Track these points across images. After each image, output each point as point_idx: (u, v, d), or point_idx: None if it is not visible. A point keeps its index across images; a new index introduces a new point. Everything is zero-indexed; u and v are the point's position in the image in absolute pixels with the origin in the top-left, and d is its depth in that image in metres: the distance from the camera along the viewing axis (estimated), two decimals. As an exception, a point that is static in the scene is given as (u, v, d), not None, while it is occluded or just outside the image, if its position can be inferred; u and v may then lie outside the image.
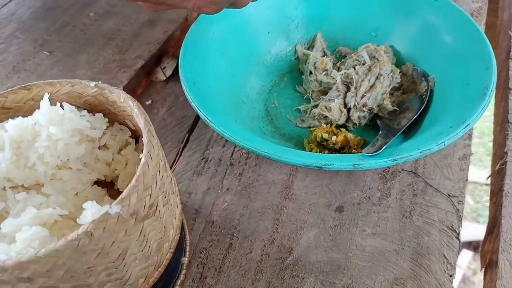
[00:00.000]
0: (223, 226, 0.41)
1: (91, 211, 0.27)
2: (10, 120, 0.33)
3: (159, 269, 0.32)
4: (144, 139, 0.29)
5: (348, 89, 0.48)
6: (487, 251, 0.42)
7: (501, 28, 0.64)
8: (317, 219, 0.41)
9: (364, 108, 0.46)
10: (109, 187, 0.36)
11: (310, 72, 0.51)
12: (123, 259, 0.28)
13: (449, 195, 0.43)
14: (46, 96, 0.32)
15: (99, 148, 0.35)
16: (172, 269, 0.36)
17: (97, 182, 0.35)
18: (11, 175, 0.32)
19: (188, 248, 0.38)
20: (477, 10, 0.63)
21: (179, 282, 0.36)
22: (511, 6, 0.64)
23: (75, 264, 0.25)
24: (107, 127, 0.35)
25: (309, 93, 0.51)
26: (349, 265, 0.38)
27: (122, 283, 0.29)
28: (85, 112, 0.34)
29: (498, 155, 0.48)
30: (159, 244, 0.32)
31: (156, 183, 0.29)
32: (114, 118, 0.36)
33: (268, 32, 0.53)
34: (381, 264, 0.38)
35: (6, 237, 0.28)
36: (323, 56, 0.53)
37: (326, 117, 0.47)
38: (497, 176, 0.46)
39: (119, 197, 0.26)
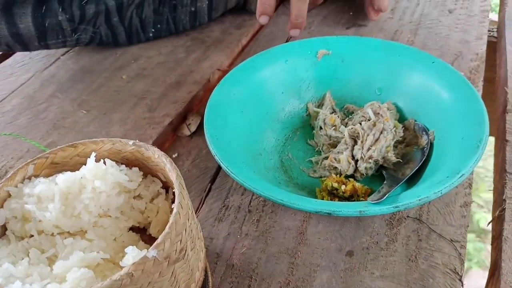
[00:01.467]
0: (242, 269, 0.44)
1: (132, 255, 0.31)
2: (59, 174, 0.38)
3: None
4: (176, 191, 0.34)
5: (355, 142, 0.53)
6: (490, 294, 0.45)
7: (499, 84, 0.68)
8: (329, 262, 0.45)
9: (370, 160, 0.51)
10: (142, 232, 0.40)
11: (320, 128, 0.56)
12: None
13: (451, 240, 0.46)
14: (93, 154, 0.38)
15: (134, 197, 0.40)
16: None
17: (132, 228, 0.40)
18: (59, 222, 0.36)
19: None
20: (475, 68, 0.69)
21: None
22: (506, 64, 0.69)
23: None
24: (142, 179, 0.40)
25: (320, 146, 0.56)
26: (359, 306, 0.41)
27: None
28: (123, 166, 0.40)
29: (498, 202, 0.51)
30: (187, 285, 0.36)
31: (185, 230, 0.33)
32: (147, 171, 0.41)
33: (282, 92, 0.59)
34: (389, 305, 0.41)
35: (57, 277, 0.33)
36: (332, 113, 0.58)
37: (335, 168, 0.52)
38: (497, 222, 0.49)
39: (155, 243, 0.30)
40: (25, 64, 0.74)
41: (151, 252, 0.30)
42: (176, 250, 0.32)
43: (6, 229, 0.36)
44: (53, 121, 0.62)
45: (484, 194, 1.49)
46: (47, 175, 0.39)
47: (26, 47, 0.67)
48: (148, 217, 0.40)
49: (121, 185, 0.39)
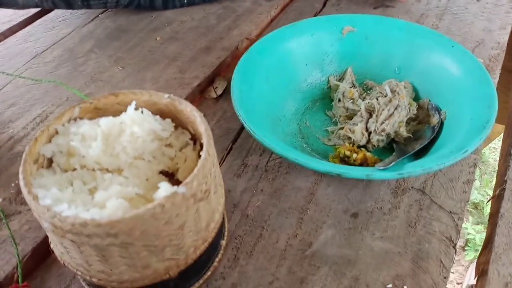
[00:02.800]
0: (256, 220, 0.49)
1: (164, 189, 0.36)
2: (102, 118, 0.43)
3: (205, 244, 0.41)
4: (204, 140, 0.39)
5: (370, 116, 0.56)
6: (480, 263, 0.49)
7: (516, 73, 0.71)
8: (334, 221, 0.49)
9: (382, 133, 0.54)
10: (170, 177, 0.45)
11: (339, 100, 0.60)
12: (182, 229, 0.37)
13: (451, 212, 0.50)
14: (133, 102, 0.42)
15: (166, 145, 0.45)
16: (213, 248, 0.44)
17: (162, 173, 0.45)
18: (100, 159, 0.41)
19: (226, 234, 0.47)
20: (495, 56, 0.71)
21: (217, 259, 0.45)
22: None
23: (148, 228, 0.34)
24: (173, 130, 0.45)
25: (337, 117, 0.59)
26: (359, 261, 0.46)
27: (178, 249, 0.38)
28: (157, 117, 0.44)
29: (499, 182, 0.55)
30: (207, 223, 0.40)
31: (210, 174, 0.38)
32: (178, 123, 0.45)
33: (306, 64, 0.62)
34: (386, 262, 0.45)
35: (97, 205, 0.37)
36: (352, 87, 0.61)
37: (349, 138, 0.55)
38: (496, 200, 0.53)
39: (185, 181, 0.35)
40: (66, 19, 0.79)
41: (181, 188, 0.34)
42: (201, 190, 0.37)
43: (52, 162, 0.41)
44: (91, 74, 0.66)
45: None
46: (90, 119, 0.43)
47: (70, 5, 0.72)
48: (177, 163, 0.45)
49: (155, 133, 0.43)
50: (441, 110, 0.55)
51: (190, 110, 0.42)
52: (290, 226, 0.49)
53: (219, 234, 0.45)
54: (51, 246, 0.40)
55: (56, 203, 0.35)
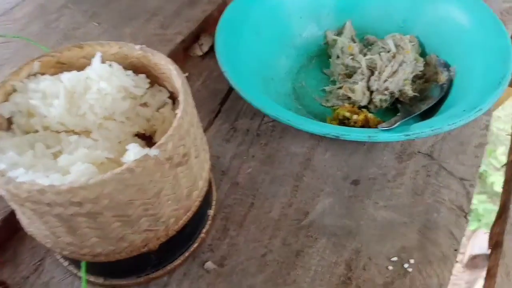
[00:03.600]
0: (247, 188, 0.44)
1: (133, 152, 0.31)
2: (65, 73, 0.37)
3: (188, 213, 0.36)
4: (181, 97, 0.33)
5: (372, 73, 0.51)
6: (494, 234, 0.44)
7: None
8: (333, 189, 0.44)
9: (385, 92, 0.49)
10: (147, 140, 0.40)
11: (337, 56, 0.54)
12: (158, 197, 0.32)
13: (461, 178, 0.45)
14: (98, 54, 0.37)
15: (140, 105, 0.39)
16: (199, 218, 0.40)
17: (137, 135, 0.39)
18: (64, 120, 0.36)
19: (214, 203, 0.42)
20: (507, 10, 0.65)
21: (204, 230, 0.40)
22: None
23: (117, 196, 0.29)
24: (148, 87, 0.39)
25: (335, 76, 0.54)
26: (360, 232, 0.41)
27: (156, 219, 0.33)
28: (130, 72, 0.38)
29: (514, 146, 0.50)
30: (189, 191, 0.35)
31: (189, 135, 0.33)
32: (154, 80, 0.40)
33: (300, 17, 0.56)
34: (390, 233, 0.41)
35: (60, 170, 0.32)
36: (351, 42, 0.56)
37: (349, 98, 0.50)
38: (511, 166, 0.48)
39: (158, 143, 0.30)
40: (36, -27, 0.71)
41: (153, 151, 0.29)
42: (179, 154, 0.31)
43: (11, 123, 0.36)
44: (64, 31, 0.60)
45: (502, 156, 1.46)
46: (52, 74, 0.38)
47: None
48: (154, 125, 0.39)
49: (127, 90, 0.38)
50: (450, 66, 0.50)
51: (165, 63, 0.36)
52: (285, 194, 0.44)
53: (205, 203, 0.40)
54: (17, 216, 0.35)
55: (12, 167, 0.30)
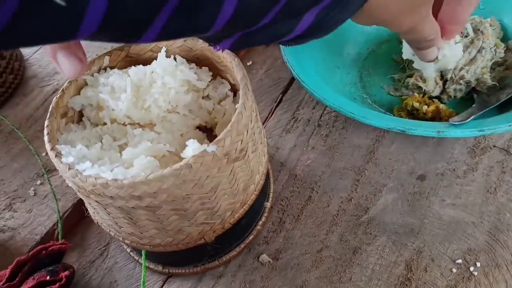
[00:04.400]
0: (305, 180, 0.44)
1: (192, 148, 0.31)
2: (132, 67, 0.39)
3: (244, 207, 0.37)
4: (241, 91, 0.33)
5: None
6: None
7: None
8: (397, 184, 0.43)
9: (461, 81, 0.45)
10: (208, 132, 0.41)
11: (409, 41, 0.51)
12: (215, 192, 0.33)
13: (542, 176, 0.41)
14: (163, 49, 0.38)
15: (203, 98, 0.40)
16: (255, 211, 0.40)
17: (199, 128, 0.40)
18: (130, 113, 0.38)
19: (271, 195, 0.42)
20: None
21: (260, 222, 0.41)
22: None
23: (176, 190, 0.30)
24: (211, 80, 0.40)
25: (405, 63, 0.51)
26: (423, 231, 0.39)
27: (212, 213, 0.34)
28: (193, 65, 0.39)
29: None
30: (246, 185, 0.36)
31: (247, 131, 0.33)
32: (217, 72, 0.40)
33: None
34: (457, 233, 0.39)
35: (125, 163, 0.34)
36: (425, 26, 0.52)
37: (420, 87, 0.47)
38: None
39: (216, 139, 0.30)
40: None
41: (211, 147, 0.30)
42: (236, 149, 0.32)
43: (82, 115, 0.39)
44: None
45: None
46: (121, 68, 0.40)
47: None
48: (215, 118, 0.40)
49: (190, 83, 0.39)
50: (536, 52, 0.45)
51: (226, 56, 0.36)
52: (344, 188, 0.43)
53: (262, 195, 0.41)
54: (85, 204, 0.38)
55: (80, 160, 0.32)
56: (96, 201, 0.32)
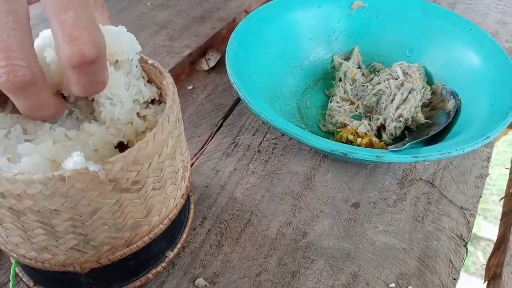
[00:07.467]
0: (245, 204, 0.43)
1: (74, 160, 0.27)
2: None
3: (131, 247, 0.32)
4: (159, 121, 0.29)
5: (377, 102, 0.51)
6: (492, 265, 0.44)
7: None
8: (333, 210, 0.44)
9: (400, 119, 0.48)
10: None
11: (340, 79, 0.54)
12: (91, 218, 0.28)
13: (462, 207, 0.45)
14: None
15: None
16: (151, 255, 0.35)
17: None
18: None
19: (179, 246, 0.37)
20: (510, 49, 0.66)
21: (154, 271, 0.35)
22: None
23: (43, 200, 0.26)
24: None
25: (335, 98, 0.53)
26: (358, 256, 0.40)
27: (85, 241, 0.30)
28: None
29: (514, 180, 0.50)
30: (137, 224, 0.31)
31: (150, 164, 0.29)
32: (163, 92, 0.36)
33: (310, 39, 0.57)
34: (389, 259, 0.40)
35: (18, 157, 0.29)
36: (358, 68, 0.56)
37: (346, 125, 0.50)
38: (510, 198, 0.48)
39: (105, 160, 0.26)
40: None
41: (94, 166, 0.26)
42: (128, 179, 0.28)
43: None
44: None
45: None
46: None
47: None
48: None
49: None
50: (457, 95, 0.50)
51: (166, 83, 0.33)
52: (283, 213, 0.43)
53: (166, 242, 0.35)
54: None
55: None
56: None
